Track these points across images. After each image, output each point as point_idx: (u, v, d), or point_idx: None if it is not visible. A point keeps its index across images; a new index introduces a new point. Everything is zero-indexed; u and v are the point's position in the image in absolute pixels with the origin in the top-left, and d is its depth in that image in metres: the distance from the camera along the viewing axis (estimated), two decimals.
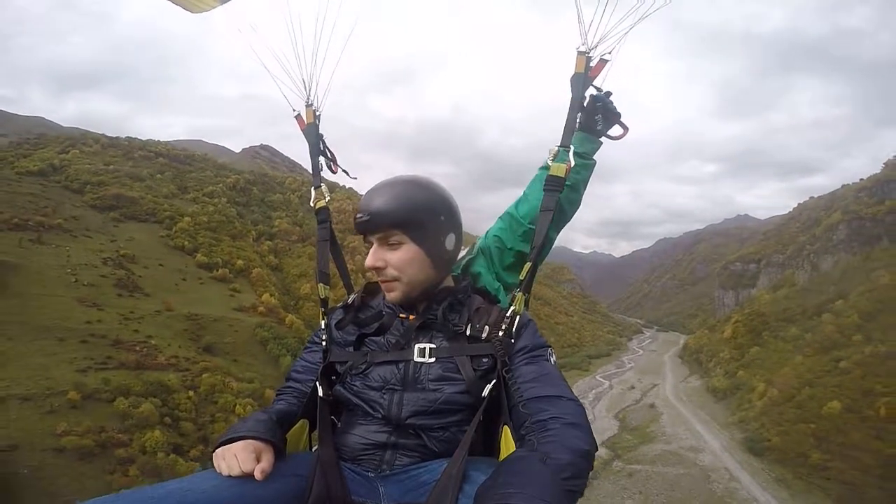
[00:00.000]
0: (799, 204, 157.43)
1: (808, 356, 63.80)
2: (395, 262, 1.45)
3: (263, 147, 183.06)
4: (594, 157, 1.74)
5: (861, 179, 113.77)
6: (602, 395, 76.07)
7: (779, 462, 48.62)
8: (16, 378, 32.79)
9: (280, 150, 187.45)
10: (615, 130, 1.70)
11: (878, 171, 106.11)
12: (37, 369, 34.34)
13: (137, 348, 40.36)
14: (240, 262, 68.86)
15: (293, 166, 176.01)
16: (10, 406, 30.17)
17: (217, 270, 64.32)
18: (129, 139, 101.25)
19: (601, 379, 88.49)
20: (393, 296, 1.50)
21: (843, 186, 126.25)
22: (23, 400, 30.87)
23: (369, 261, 1.48)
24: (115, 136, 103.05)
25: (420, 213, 1.44)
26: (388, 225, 1.43)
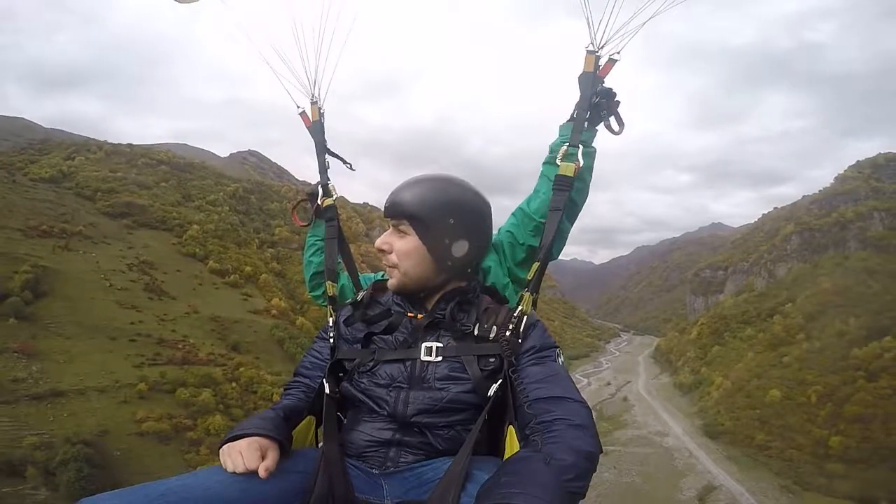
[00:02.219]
0: (763, 214, 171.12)
1: (759, 353, 73.90)
2: (398, 249, 1.53)
3: (251, 153, 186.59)
4: (593, 145, 1.71)
5: (817, 192, 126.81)
6: (581, 391, 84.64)
7: (730, 443, 57.92)
8: (86, 373, 38.84)
9: (266, 156, 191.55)
10: (613, 124, 1.68)
11: (829, 185, 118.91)
12: (100, 365, 40.39)
13: (180, 346, 46.60)
14: (248, 268, 74.92)
15: (281, 172, 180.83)
16: (90, 397, 36.31)
17: (229, 276, 70.33)
18: (130, 146, 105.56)
19: (580, 377, 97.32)
20: (391, 282, 1.58)
21: (804, 197, 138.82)
22: (99, 392, 37.01)
23: (378, 241, 1.58)
24: (107, 140, 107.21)
25: (429, 211, 1.50)
26: (400, 214, 1.52)
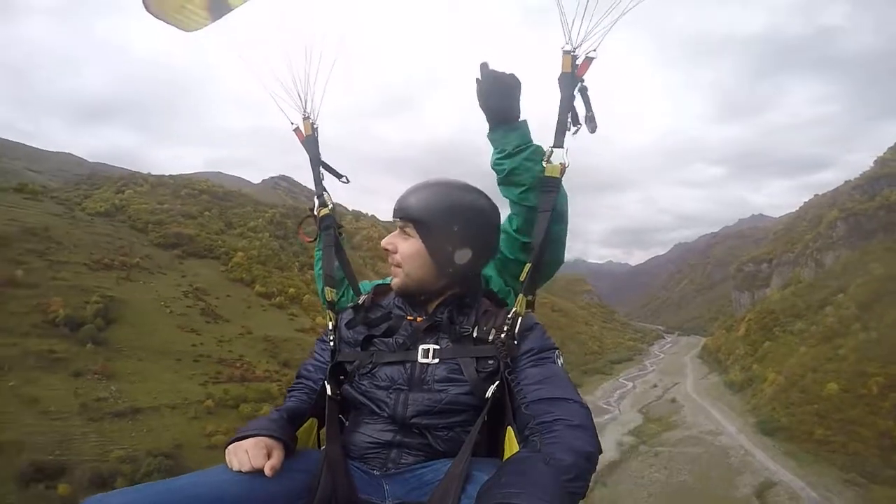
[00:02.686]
0: (805, 202, 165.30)
1: (812, 346, 71.64)
2: (402, 251, 1.57)
3: (283, 178, 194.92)
4: (530, 142, 1.70)
5: (858, 176, 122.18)
6: (626, 395, 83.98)
7: (788, 440, 56.48)
8: (158, 391, 42.27)
9: (297, 181, 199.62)
10: (587, 123, 1.60)
11: (869, 169, 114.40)
12: (169, 384, 43.79)
13: (237, 365, 49.78)
14: (291, 290, 78.48)
15: (312, 196, 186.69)
16: (164, 414, 39.58)
17: (275, 299, 73.97)
18: (172, 177, 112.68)
19: (624, 381, 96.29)
20: (395, 282, 1.62)
21: (846, 182, 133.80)
22: (171, 409, 40.26)
23: (384, 241, 1.63)
24: (150, 172, 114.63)
25: (433, 216, 1.52)
26: (405, 216, 1.55)
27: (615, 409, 74.11)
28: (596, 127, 1.58)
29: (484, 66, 1.69)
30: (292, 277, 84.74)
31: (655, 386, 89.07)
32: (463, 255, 1.53)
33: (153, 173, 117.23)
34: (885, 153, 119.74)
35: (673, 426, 64.49)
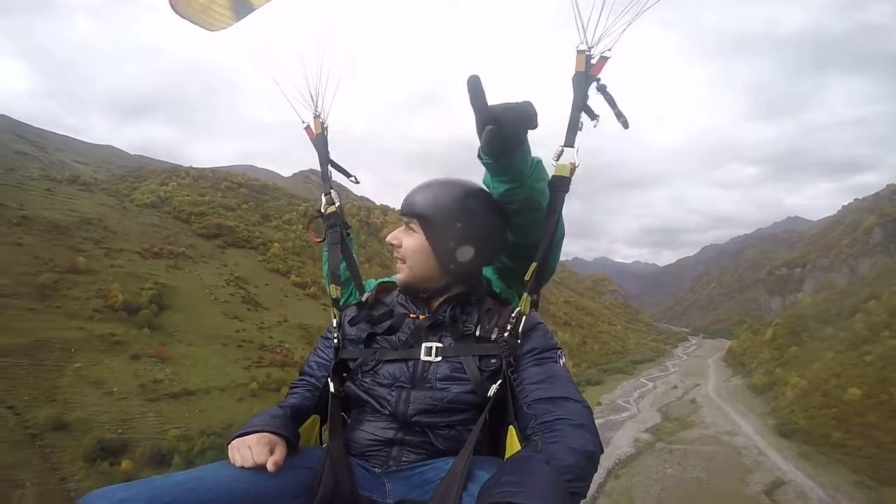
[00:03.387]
0: (843, 206, 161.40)
1: (839, 352, 71.79)
2: (406, 245, 1.60)
3: (312, 171, 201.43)
4: (517, 181, 1.50)
5: (889, 184, 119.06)
6: (646, 394, 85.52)
7: (804, 442, 57.48)
8: (207, 374, 46.88)
9: None
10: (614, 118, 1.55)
11: None
12: (217, 368, 48.40)
13: (278, 350, 54.25)
14: (323, 281, 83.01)
15: (340, 189, 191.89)
16: (213, 395, 44.07)
17: (309, 289, 78.63)
18: (212, 171, 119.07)
19: (645, 381, 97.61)
20: (399, 277, 1.65)
21: (887, 186, 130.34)
22: (220, 391, 44.76)
23: (389, 236, 1.66)
24: (192, 165, 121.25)
25: (437, 212, 1.55)
26: (410, 212, 1.59)
27: (634, 407, 75.96)
28: (627, 122, 1.56)
29: (501, 108, 1.32)
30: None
31: (676, 387, 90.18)
32: (465, 253, 1.57)
33: (193, 166, 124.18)
34: None
35: (690, 425, 66.04)
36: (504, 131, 1.33)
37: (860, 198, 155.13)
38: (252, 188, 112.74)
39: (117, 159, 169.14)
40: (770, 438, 60.00)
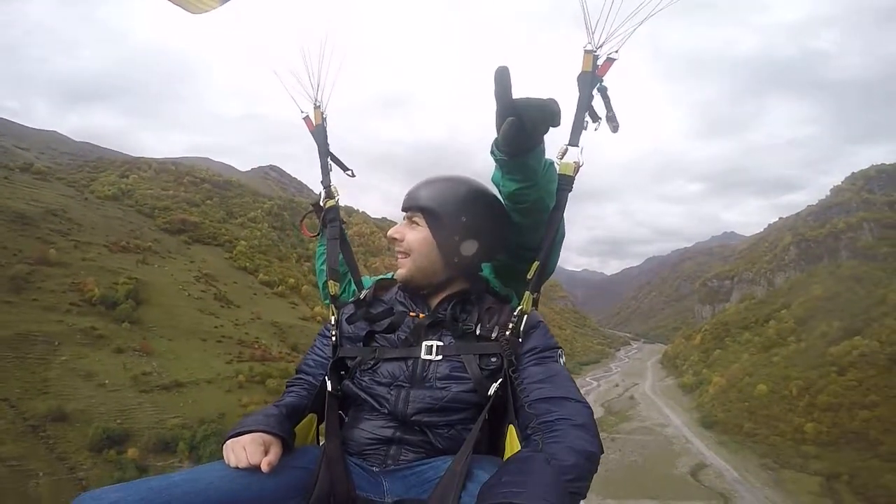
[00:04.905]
0: (769, 224, 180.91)
1: (753, 354, 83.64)
2: (409, 239, 1.61)
3: (272, 168, 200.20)
4: (530, 182, 1.48)
5: (815, 203, 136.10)
6: (591, 392, 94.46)
7: (722, 432, 67.54)
8: (193, 368, 49.61)
9: (286, 171, 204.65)
10: (609, 122, 1.58)
11: (825, 197, 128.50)
12: (200, 362, 51.19)
13: (255, 346, 57.41)
14: (291, 280, 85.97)
15: (300, 187, 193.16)
16: (202, 387, 47.03)
17: (276, 287, 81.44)
18: (175, 164, 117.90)
19: (590, 380, 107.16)
20: (400, 272, 1.65)
21: (807, 207, 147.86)
22: (208, 383, 47.72)
23: (391, 231, 1.67)
24: (158, 159, 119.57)
25: (442, 206, 1.57)
26: (414, 206, 1.61)
27: None
28: (618, 126, 1.60)
29: (525, 101, 1.30)
30: (291, 268, 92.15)
31: (617, 385, 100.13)
32: (469, 247, 1.57)
33: (139, 156, 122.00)
34: (841, 182, 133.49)
35: (629, 418, 74.98)
36: (525, 126, 1.30)
37: (784, 217, 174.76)
38: (216, 184, 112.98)
39: (61, 145, 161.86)
40: (695, 429, 69.72)
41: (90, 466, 35.42)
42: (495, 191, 1.61)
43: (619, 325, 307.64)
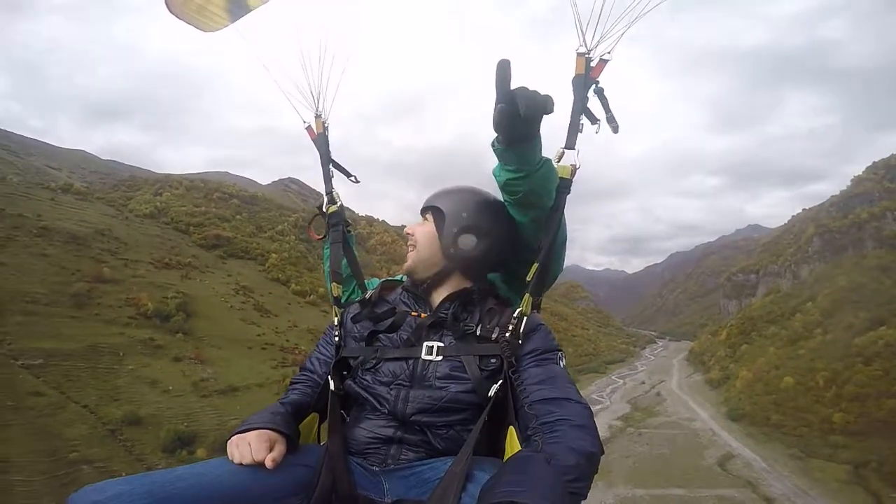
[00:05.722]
0: (793, 216, 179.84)
1: (779, 348, 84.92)
2: (417, 232, 1.79)
3: (292, 180, 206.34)
4: (525, 165, 1.51)
5: (837, 193, 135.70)
6: (617, 390, 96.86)
7: (750, 424, 69.34)
8: (243, 374, 53.97)
9: (306, 183, 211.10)
10: (608, 122, 1.65)
11: (847, 187, 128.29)
12: (249, 368, 55.57)
13: (296, 352, 61.68)
14: (321, 289, 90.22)
15: (320, 199, 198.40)
16: (254, 391, 51.27)
17: (309, 297, 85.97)
18: (203, 181, 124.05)
19: (616, 378, 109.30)
20: (405, 264, 1.79)
21: (830, 198, 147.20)
22: (259, 387, 51.97)
23: (406, 228, 1.85)
24: (166, 172, 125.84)
25: (446, 203, 1.75)
26: (428, 206, 1.81)
27: (607, 400, 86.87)
28: (618, 127, 1.64)
29: (520, 90, 1.33)
30: (320, 278, 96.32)
31: (643, 383, 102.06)
32: (466, 241, 1.69)
33: (163, 172, 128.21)
34: (862, 172, 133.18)
35: (656, 414, 77.19)
36: (518, 112, 1.32)
37: (807, 208, 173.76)
38: (243, 199, 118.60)
39: (89, 164, 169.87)
40: (722, 422, 71.68)
41: (165, 466, 39.48)
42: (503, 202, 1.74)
43: (643, 323, 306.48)
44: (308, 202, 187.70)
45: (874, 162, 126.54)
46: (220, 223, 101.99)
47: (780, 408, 68.60)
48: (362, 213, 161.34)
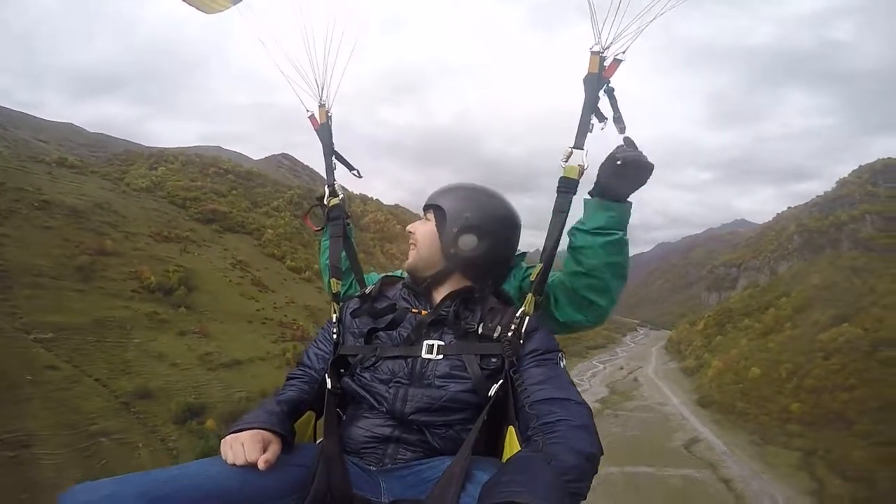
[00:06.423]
0: (778, 214, 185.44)
1: (751, 340, 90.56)
2: (419, 231, 1.80)
3: (285, 156, 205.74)
4: (618, 230, 1.61)
5: (821, 194, 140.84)
6: (597, 374, 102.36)
7: (717, 411, 74.84)
8: (245, 348, 56.99)
9: (298, 159, 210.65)
10: (617, 124, 1.66)
11: (831, 189, 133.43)
12: (250, 342, 58.57)
13: (295, 327, 64.93)
14: (316, 266, 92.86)
15: (313, 175, 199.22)
16: (257, 364, 54.43)
17: (303, 273, 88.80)
18: (198, 155, 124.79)
19: (596, 363, 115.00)
20: (406, 262, 1.81)
21: (815, 197, 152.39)
22: (261, 360, 55.12)
23: (409, 226, 1.85)
24: (158, 146, 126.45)
25: (448, 202, 1.76)
26: (430, 204, 1.82)
27: (587, 384, 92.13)
28: (625, 128, 1.63)
29: (629, 144, 1.63)
30: (315, 254, 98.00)
31: (622, 368, 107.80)
32: (467, 241, 1.70)
33: (155, 146, 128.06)
34: (848, 175, 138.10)
35: (631, 398, 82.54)
36: (631, 167, 1.52)
37: (792, 206, 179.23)
38: (239, 174, 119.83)
39: (77, 137, 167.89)
40: (692, 408, 77.19)
41: (177, 437, 40.67)
42: (512, 203, 1.80)
43: (626, 311, 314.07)
44: (300, 177, 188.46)
45: (860, 165, 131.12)
46: (217, 198, 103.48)
47: (745, 396, 74.09)
48: (357, 192, 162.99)
